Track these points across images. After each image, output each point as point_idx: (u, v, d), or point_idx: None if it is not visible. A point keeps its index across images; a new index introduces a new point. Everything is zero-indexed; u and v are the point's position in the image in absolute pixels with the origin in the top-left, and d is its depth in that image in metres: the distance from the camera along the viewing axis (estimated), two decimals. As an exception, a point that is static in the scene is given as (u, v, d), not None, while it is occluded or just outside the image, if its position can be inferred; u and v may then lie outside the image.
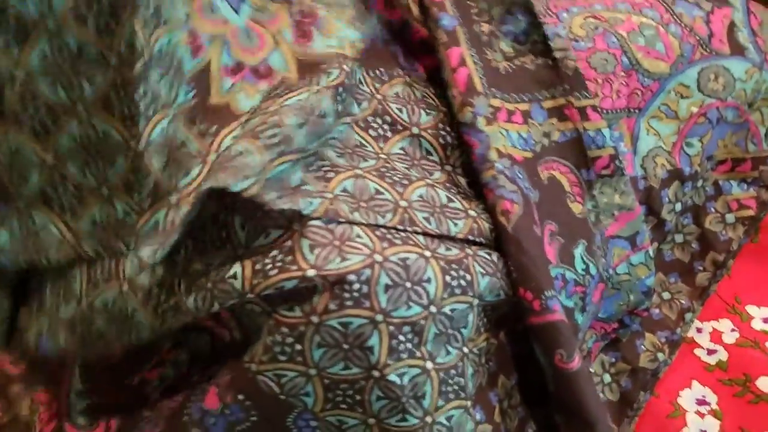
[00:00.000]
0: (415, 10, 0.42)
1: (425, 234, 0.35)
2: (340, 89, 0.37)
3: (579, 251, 0.40)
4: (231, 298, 0.33)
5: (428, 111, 0.41)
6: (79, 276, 0.35)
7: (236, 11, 0.37)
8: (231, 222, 0.34)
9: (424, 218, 0.36)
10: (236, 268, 0.33)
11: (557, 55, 0.44)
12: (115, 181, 0.33)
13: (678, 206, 0.48)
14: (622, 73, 0.45)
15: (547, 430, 0.41)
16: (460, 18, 0.43)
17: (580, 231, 0.41)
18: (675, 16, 0.48)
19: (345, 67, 0.37)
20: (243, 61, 0.36)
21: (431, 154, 0.40)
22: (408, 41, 0.43)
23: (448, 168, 0.40)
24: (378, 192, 0.36)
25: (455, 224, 0.37)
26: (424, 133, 0.40)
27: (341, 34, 0.39)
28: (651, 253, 0.43)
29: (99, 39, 0.31)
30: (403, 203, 0.36)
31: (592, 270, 0.40)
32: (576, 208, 0.41)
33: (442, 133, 0.40)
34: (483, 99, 0.40)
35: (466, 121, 0.39)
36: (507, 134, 0.41)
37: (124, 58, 0.31)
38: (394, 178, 0.38)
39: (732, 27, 0.49)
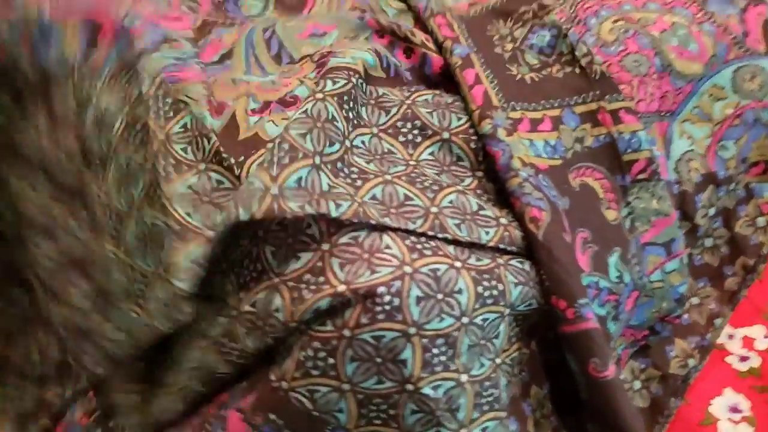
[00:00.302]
0: (432, 46, 0.44)
1: (456, 243, 0.35)
2: (345, 97, 0.38)
3: (613, 259, 0.39)
4: (278, 331, 0.33)
5: (459, 116, 0.40)
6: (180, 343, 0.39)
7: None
8: (263, 252, 0.34)
9: (455, 225, 0.36)
10: (278, 301, 0.33)
11: (583, 61, 0.43)
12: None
13: (712, 211, 0.47)
14: (655, 76, 0.44)
15: None
16: (475, 46, 0.44)
17: (614, 238, 0.40)
18: (708, 14, 0.47)
19: (353, 79, 0.39)
20: (269, 99, 0.38)
21: (462, 160, 0.40)
22: (429, 77, 0.44)
23: (479, 174, 0.40)
24: (408, 198, 0.36)
25: (486, 233, 0.36)
26: (455, 138, 0.40)
27: (356, 54, 0.41)
28: (685, 259, 0.43)
29: (137, 152, 0.39)
30: (433, 209, 0.36)
31: (626, 278, 0.39)
32: (610, 214, 0.40)
33: (474, 137, 0.40)
34: (501, 112, 0.40)
35: (486, 133, 0.39)
36: (531, 144, 0.40)
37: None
38: (425, 183, 0.37)
39: (766, 24, 0.48)
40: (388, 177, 0.37)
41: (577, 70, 0.43)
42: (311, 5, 0.50)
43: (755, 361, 0.45)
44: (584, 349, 0.36)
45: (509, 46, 0.45)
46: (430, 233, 0.34)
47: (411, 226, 0.34)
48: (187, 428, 0.38)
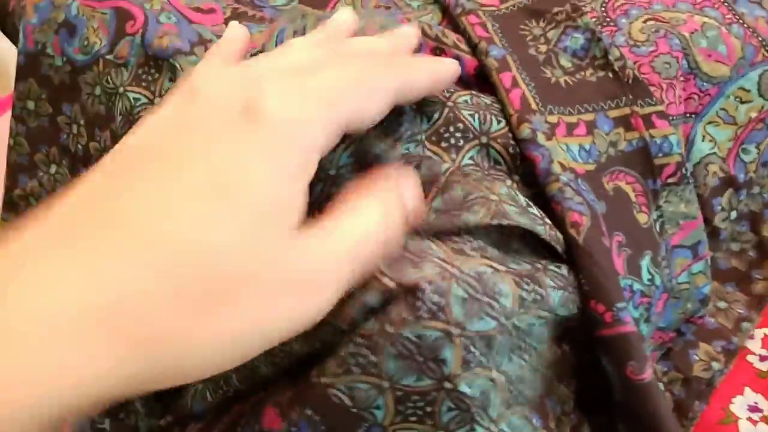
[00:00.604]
0: (464, 47, 0.43)
1: (499, 246, 0.35)
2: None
3: (645, 262, 0.40)
4: (328, 335, 0.33)
5: (499, 119, 0.40)
6: None
7: None
8: None
9: (515, 213, 0.35)
10: None
11: (616, 65, 0.43)
12: None
13: (733, 214, 0.47)
14: (681, 78, 0.44)
15: None
16: (510, 47, 0.43)
17: (646, 241, 0.40)
18: (737, 16, 0.47)
19: None
20: None
21: (499, 164, 0.40)
22: (462, 77, 0.42)
23: (516, 178, 0.40)
24: (466, 192, 0.35)
25: (540, 227, 0.36)
26: (493, 143, 0.39)
27: None
28: (708, 261, 0.43)
29: None
30: (493, 197, 0.35)
31: (657, 281, 0.40)
32: (642, 218, 0.40)
33: (512, 142, 0.39)
34: (539, 116, 0.40)
35: (525, 137, 0.39)
36: (567, 148, 0.40)
37: None
38: (476, 177, 0.37)
39: (794, 27, 0.48)
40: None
41: (611, 75, 0.43)
42: (335, 1, 0.50)
43: (775, 362, 0.46)
44: (622, 353, 0.36)
45: (543, 48, 0.44)
46: (493, 222, 0.34)
47: (465, 217, 0.34)
48: (219, 423, 0.38)
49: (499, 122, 0.40)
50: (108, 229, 0.23)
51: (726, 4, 0.48)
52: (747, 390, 0.45)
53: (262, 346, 0.26)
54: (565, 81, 0.43)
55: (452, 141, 0.39)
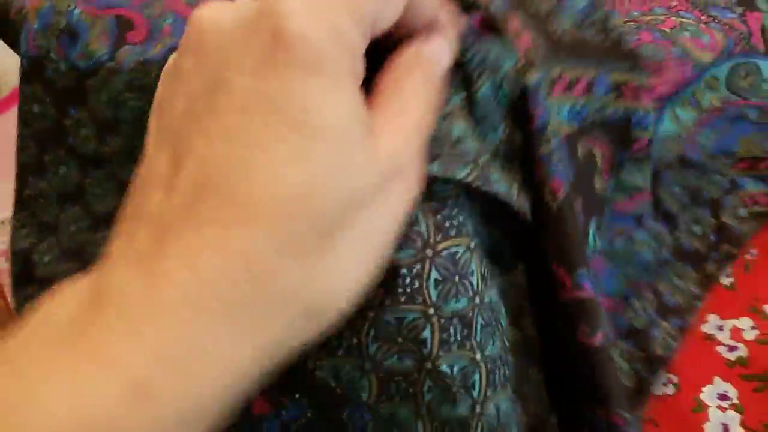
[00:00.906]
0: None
1: (476, 215, 0.35)
2: None
3: (592, 227, 0.40)
4: None
5: (511, 58, 0.37)
6: None
7: None
8: None
9: (496, 180, 0.35)
10: None
11: (614, 33, 0.43)
12: None
13: (677, 189, 0.48)
14: (678, 61, 0.46)
15: (570, 419, 0.41)
16: (512, 5, 0.41)
17: (596, 207, 0.41)
18: (711, 17, 0.49)
19: None
20: None
21: (503, 105, 0.37)
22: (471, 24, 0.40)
23: (510, 126, 0.37)
24: (460, 139, 0.34)
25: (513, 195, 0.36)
26: (506, 80, 0.36)
27: None
28: (652, 232, 0.44)
29: None
30: (481, 159, 0.35)
31: (598, 245, 0.41)
32: (598, 183, 0.41)
33: (518, 86, 0.37)
34: (542, 71, 0.37)
35: (530, 84, 0.36)
36: (559, 108, 0.40)
37: None
38: (476, 121, 0.36)
39: (764, 29, 0.50)
40: (447, 110, 0.34)
41: (610, 42, 0.43)
42: None
43: (743, 351, 0.47)
44: (576, 316, 0.37)
45: (545, 6, 0.43)
46: (475, 184, 0.34)
47: (458, 175, 0.33)
48: None
49: (511, 60, 0.37)
50: (206, 205, 0.23)
51: (699, 9, 0.49)
52: (716, 379, 0.46)
53: (386, 248, 0.28)
54: (569, 37, 0.42)
55: (468, 72, 0.36)
